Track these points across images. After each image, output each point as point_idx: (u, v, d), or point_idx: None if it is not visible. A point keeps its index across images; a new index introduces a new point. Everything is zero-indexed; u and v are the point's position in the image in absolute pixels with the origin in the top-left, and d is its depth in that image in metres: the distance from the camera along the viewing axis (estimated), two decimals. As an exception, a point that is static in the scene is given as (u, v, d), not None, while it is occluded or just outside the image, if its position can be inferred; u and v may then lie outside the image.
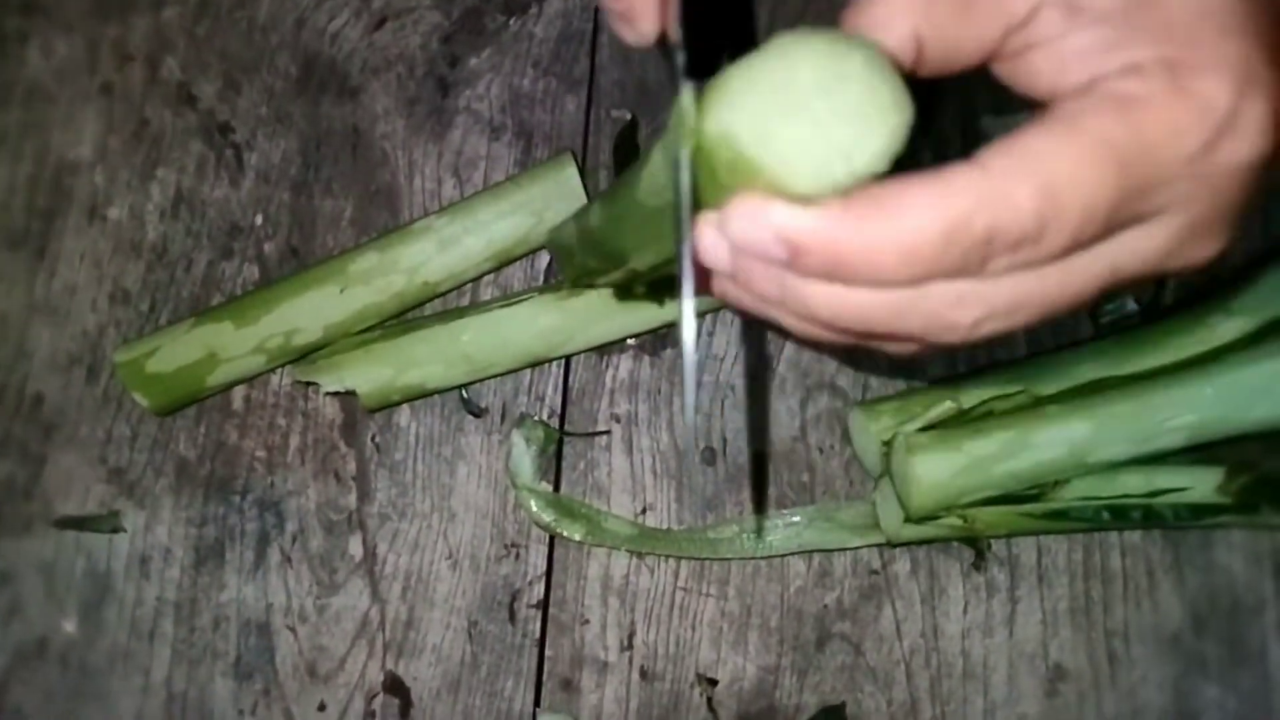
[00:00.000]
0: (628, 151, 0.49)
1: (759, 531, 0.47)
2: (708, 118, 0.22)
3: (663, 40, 0.26)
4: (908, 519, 0.44)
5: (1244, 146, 0.21)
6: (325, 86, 0.50)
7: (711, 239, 0.23)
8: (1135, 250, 0.22)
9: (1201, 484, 0.45)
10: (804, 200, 0.21)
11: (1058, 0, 0.22)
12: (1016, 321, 0.22)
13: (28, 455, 0.47)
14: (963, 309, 0.22)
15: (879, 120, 0.21)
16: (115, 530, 0.46)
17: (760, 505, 0.48)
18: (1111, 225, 0.21)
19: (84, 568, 0.46)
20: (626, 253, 0.31)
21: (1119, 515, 0.44)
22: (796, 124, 0.21)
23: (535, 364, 0.47)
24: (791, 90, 0.21)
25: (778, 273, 0.22)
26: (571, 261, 0.40)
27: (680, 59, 0.25)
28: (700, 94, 0.22)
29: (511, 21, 0.51)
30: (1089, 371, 0.45)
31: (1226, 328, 0.44)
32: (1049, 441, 0.42)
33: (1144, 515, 0.44)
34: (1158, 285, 0.48)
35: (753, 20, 0.51)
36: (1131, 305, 0.48)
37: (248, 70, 0.50)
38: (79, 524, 0.46)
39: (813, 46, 0.21)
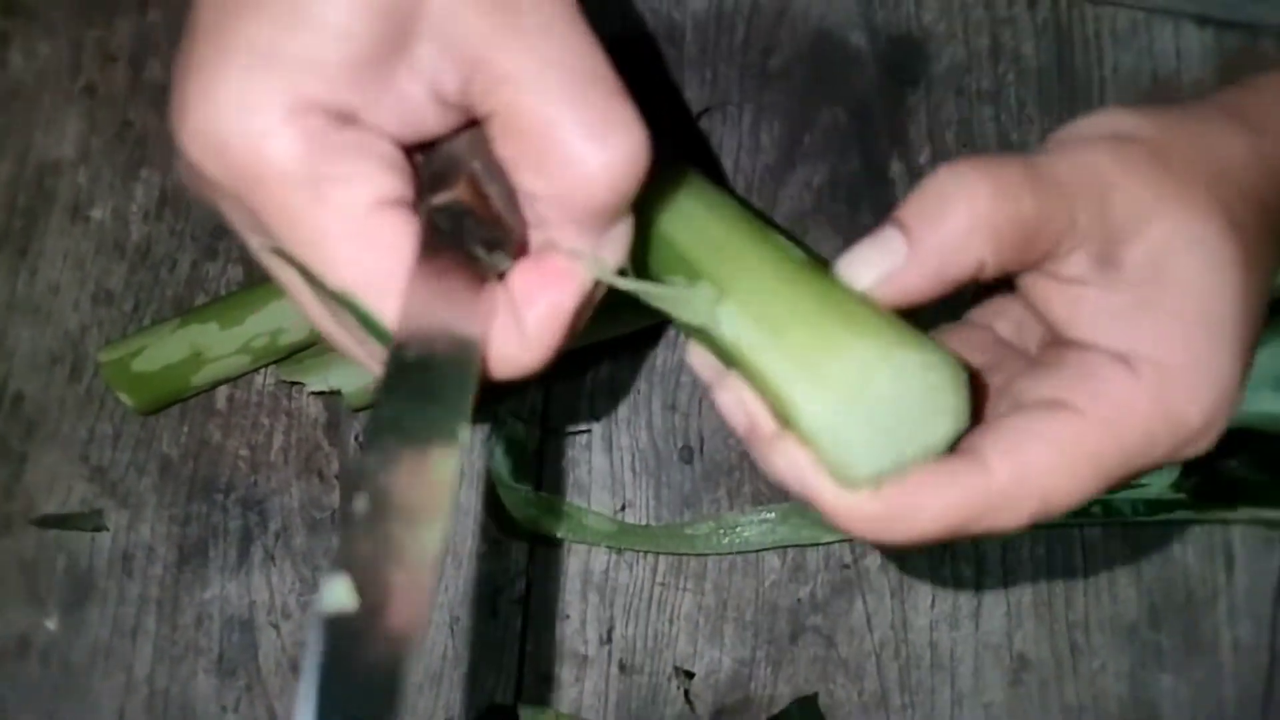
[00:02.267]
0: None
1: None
2: (794, 384, 0.23)
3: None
4: (879, 515, 0.46)
5: (1203, 445, 0.24)
6: (310, 90, 0.50)
7: (738, 410, 0.26)
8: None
9: (1158, 481, 0.47)
10: (831, 466, 0.23)
11: (1096, 248, 0.24)
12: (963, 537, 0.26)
13: (8, 454, 0.47)
14: (925, 539, 0.25)
15: (928, 447, 0.23)
16: (97, 529, 0.47)
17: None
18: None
19: (65, 566, 0.46)
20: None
21: (1080, 511, 0.46)
22: (862, 430, 0.23)
23: (517, 364, 0.48)
24: (876, 398, 0.23)
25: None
26: None
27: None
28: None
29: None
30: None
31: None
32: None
33: (1104, 510, 0.46)
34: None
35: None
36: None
37: (232, 73, 0.50)
38: (61, 522, 0.47)
39: (916, 365, 0.23)
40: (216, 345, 0.45)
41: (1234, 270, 0.24)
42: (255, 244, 0.24)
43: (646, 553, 0.48)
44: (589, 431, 0.49)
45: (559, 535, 0.48)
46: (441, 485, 0.20)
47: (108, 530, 0.47)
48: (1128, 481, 0.25)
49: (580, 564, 0.48)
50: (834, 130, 0.52)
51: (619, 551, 0.48)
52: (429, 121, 0.22)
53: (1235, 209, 0.24)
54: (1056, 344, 0.26)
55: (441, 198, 0.22)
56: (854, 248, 0.26)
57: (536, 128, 0.21)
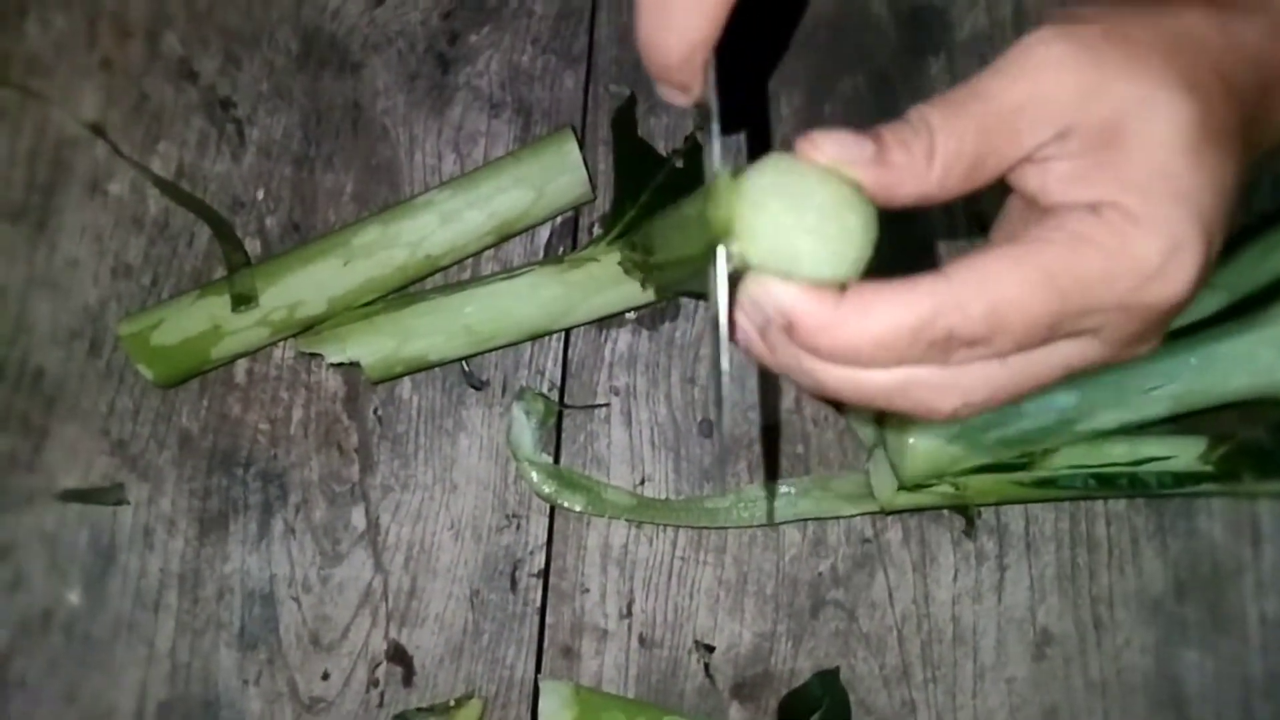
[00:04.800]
0: (626, 127, 0.50)
1: (769, 498, 0.48)
2: (744, 210, 0.25)
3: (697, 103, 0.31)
4: (901, 486, 0.45)
5: (1167, 292, 0.25)
6: (326, 62, 0.50)
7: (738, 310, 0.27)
8: (1080, 354, 0.27)
9: (1185, 453, 0.46)
10: (805, 284, 0.25)
11: (1055, 128, 0.25)
12: (990, 405, 0.27)
13: (30, 428, 0.47)
14: (942, 397, 0.26)
15: (860, 239, 0.25)
16: (119, 502, 0.47)
17: (773, 474, 0.49)
18: (1052, 336, 0.26)
19: (87, 539, 0.46)
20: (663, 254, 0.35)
21: (1105, 483, 0.46)
22: (807, 231, 0.25)
23: (536, 336, 0.48)
24: (806, 204, 0.25)
25: (795, 349, 0.26)
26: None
27: (715, 128, 0.29)
28: (735, 175, 0.26)
29: (511, -1, 0.51)
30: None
31: (1208, 301, 0.45)
32: (1038, 409, 0.44)
33: (1130, 483, 0.46)
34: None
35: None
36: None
37: (248, 45, 0.50)
38: (82, 496, 0.47)
39: (819, 178, 0.25)
40: (235, 317, 0.45)
41: (1190, 129, 0.25)
42: None
43: (666, 526, 0.48)
44: (608, 405, 0.49)
45: (578, 509, 0.47)
46: None
47: (129, 504, 0.47)
48: (1087, 315, 0.25)
49: (600, 538, 0.48)
50: (855, 99, 0.51)
51: (639, 525, 0.48)
52: None
53: (1195, 76, 0.25)
54: None
55: None
56: (830, 131, 0.26)
57: None
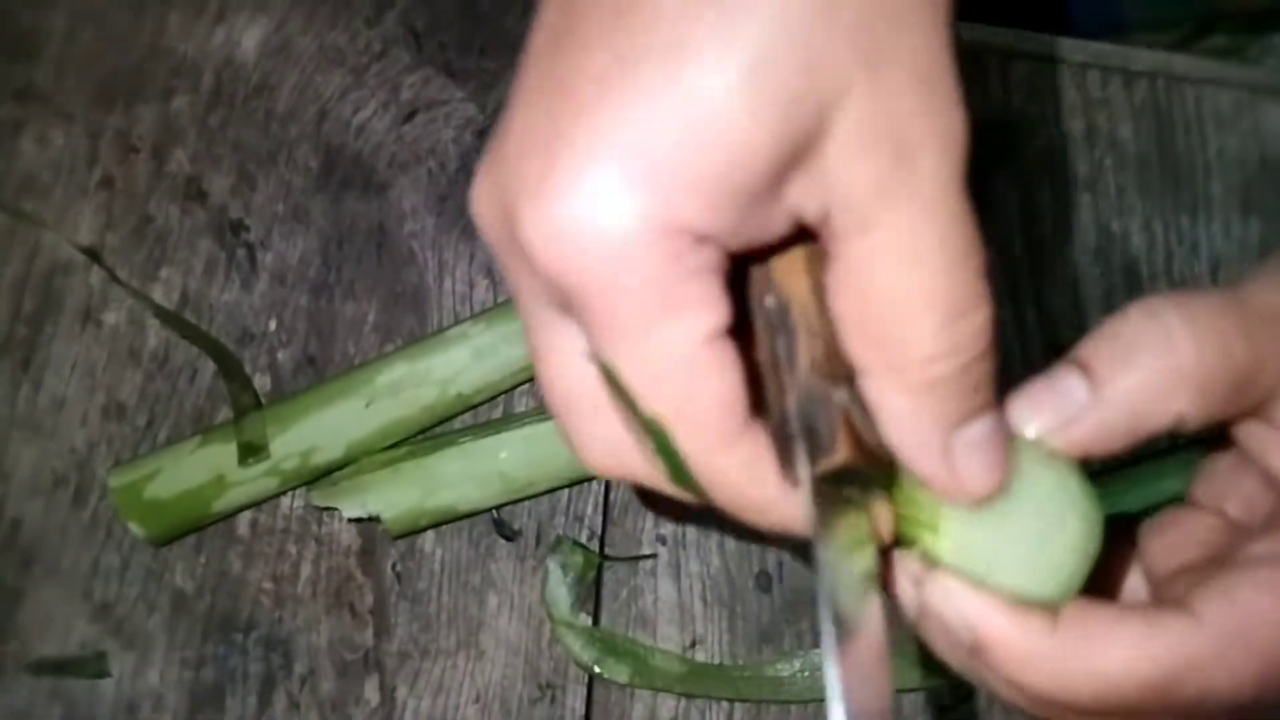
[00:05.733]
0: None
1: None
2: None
3: None
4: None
5: None
6: (349, 182, 0.46)
7: (906, 586, 0.23)
8: None
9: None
10: (1002, 594, 0.21)
11: None
12: None
13: (1, 589, 0.42)
14: (1113, 697, 0.21)
15: (1081, 549, 0.21)
16: (99, 675, 0.41)
17: None
18: None
19: (61, 717, 0.41)
20: None
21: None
22: (1017, 533, 0.21)
23: (577, 482, 0.43)
24: (1019, 500, 0.21)
25: (984, 669, 0.22)
26: None
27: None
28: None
29: (547, 114, 0.48)
30: (1171, 486, 0.42)
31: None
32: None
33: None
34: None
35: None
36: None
37: (264, 164, 0.46)
38: (58, 668, 0.41)
39: (1035, 463, 0.21)
40: (241, 468, 0.40)
41: None
42: (532, 315, 0.22)
43: (720, 699, 0.42)
44: (654, 556, 0.44)
45: (622, 680, 0.42)
46: None
47: (111, 676, 0.41)
48: None
49: (645, 710, 0.42)
50: (919, 221, 0.48)
51: (689, 697, 0.42)
52: (764, 237, 0.20)
53: None
54: None
55: (827, 465, 0.21)
56: (1025, 387, 0.22)
57: (890, 295, 0.19)
